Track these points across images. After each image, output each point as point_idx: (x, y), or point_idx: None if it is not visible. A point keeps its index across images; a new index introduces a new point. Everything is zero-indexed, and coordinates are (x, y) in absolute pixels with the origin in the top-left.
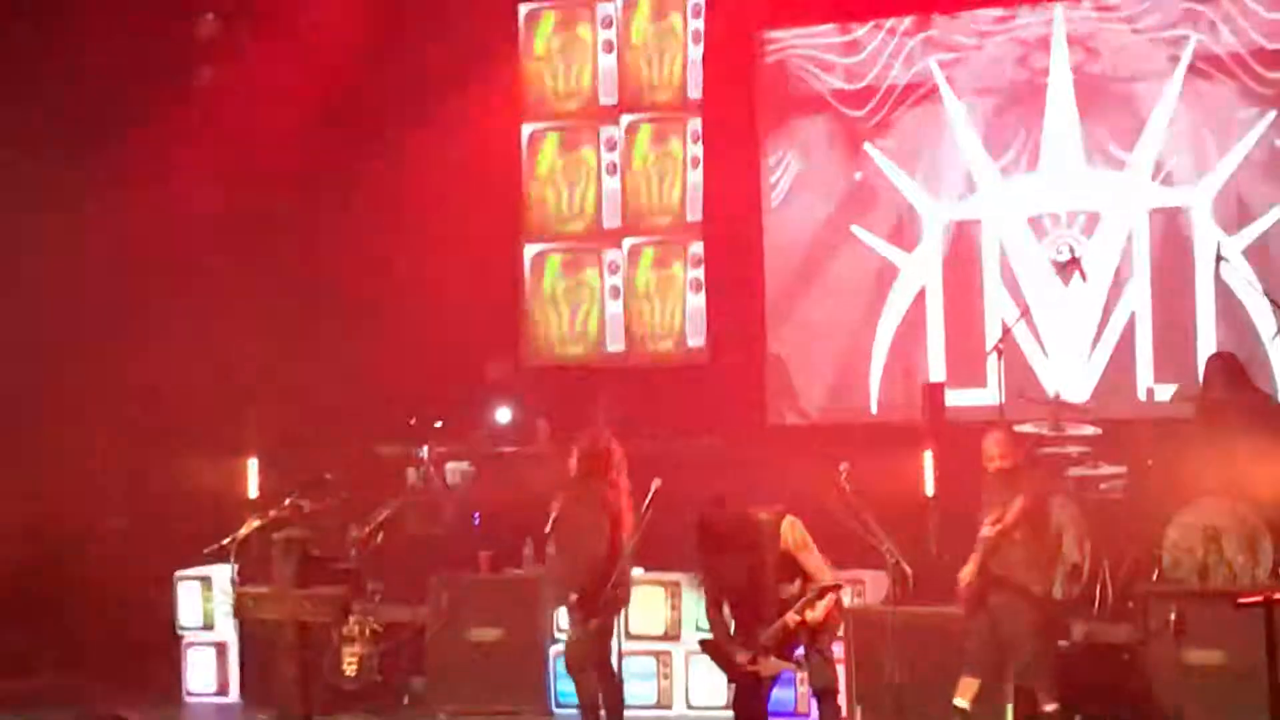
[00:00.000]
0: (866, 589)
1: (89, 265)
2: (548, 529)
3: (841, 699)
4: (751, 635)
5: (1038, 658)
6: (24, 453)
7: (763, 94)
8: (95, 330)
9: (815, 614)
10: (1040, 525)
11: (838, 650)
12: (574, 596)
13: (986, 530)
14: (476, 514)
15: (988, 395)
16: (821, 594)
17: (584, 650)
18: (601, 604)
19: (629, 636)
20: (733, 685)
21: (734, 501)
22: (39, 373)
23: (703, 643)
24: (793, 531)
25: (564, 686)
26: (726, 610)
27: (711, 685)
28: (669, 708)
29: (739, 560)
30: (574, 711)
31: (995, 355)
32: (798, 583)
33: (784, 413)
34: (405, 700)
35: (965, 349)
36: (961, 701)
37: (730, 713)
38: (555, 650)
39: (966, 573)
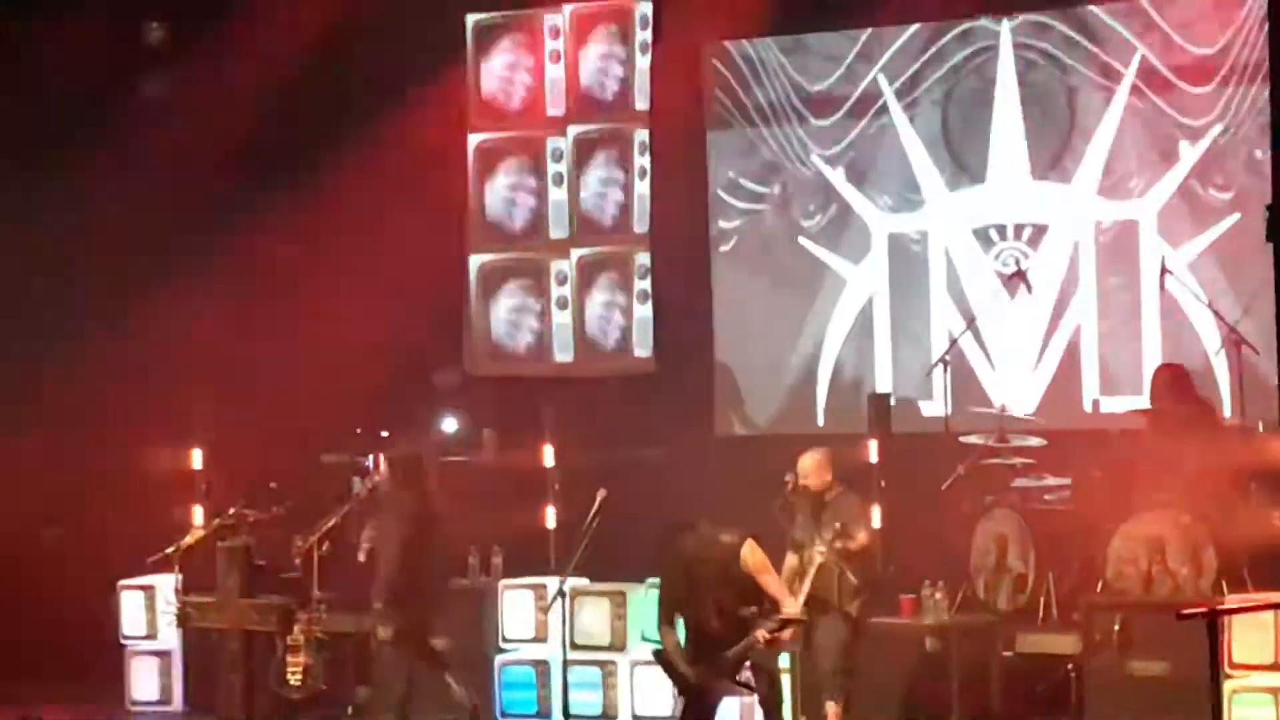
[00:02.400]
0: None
1: (28, 273)
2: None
3: (786, 712)
4: (704, 651)
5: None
6: None
7: (710, 104)
8: (33, 335)
9: (782, 639)
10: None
11: (782, 660)
12: (377, 604)
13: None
14: None
15: (934, 407)
16: (786, 624)
17: (393, 658)
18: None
19: (574, 646)
20: (680, 697)
21: (699, 521)
22: None
23: (655, 653)
24: (752, 555)
25: (509, 696)
26: (680, 624)
27: (657, 696)
28: (614, 718)
29: (698, 578)
30: None
31: (941, 367)
32: (754, 608)
33: (732, 423)
34: (350, 710)
35: (912, 360)
36: None
37: None
38: (501, 660)
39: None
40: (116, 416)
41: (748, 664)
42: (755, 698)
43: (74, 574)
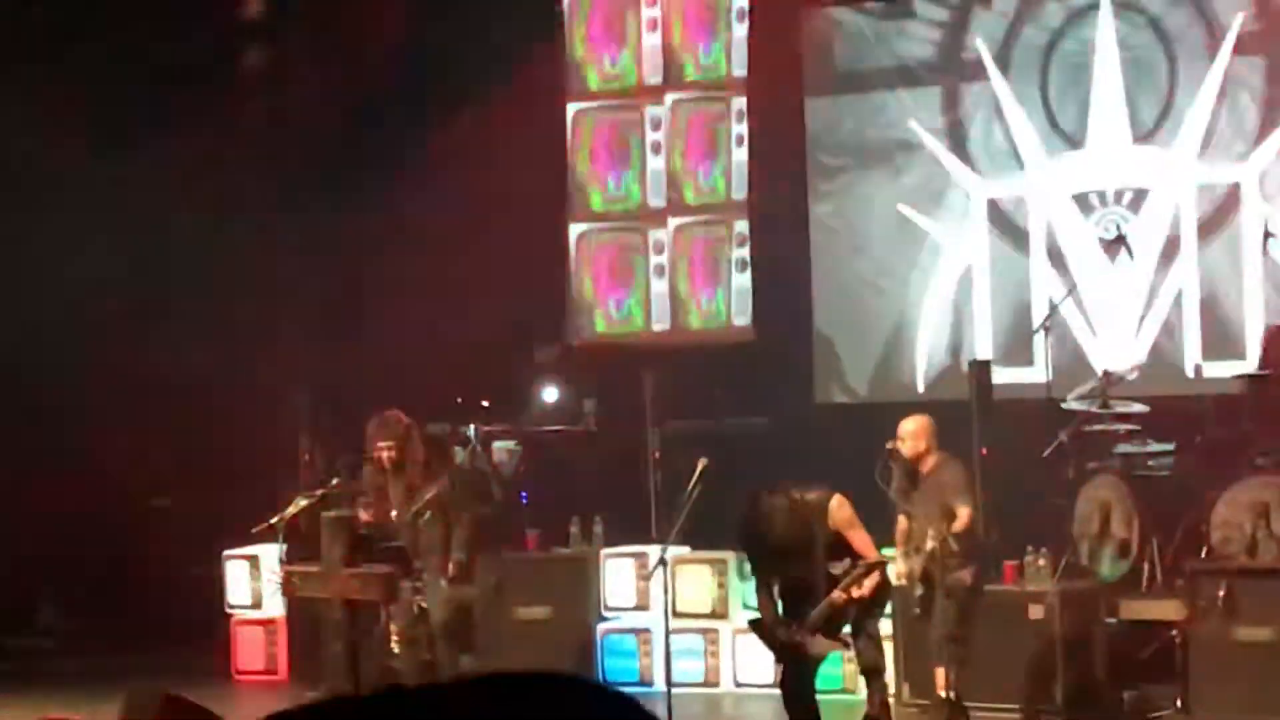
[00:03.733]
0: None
1: (133, 251)
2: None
3: (890, 677)
4: (800, 615)
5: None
6: (73, 434)
7: (809, 71)
8: (141, 313)
9: (862, 590)
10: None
11: (886, 629)
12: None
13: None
14: (525, 493)
15: (1035, 373)
16: (868, 571)
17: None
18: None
19: (675, 614)
20: (780, 665)
21: (783, 484)
22: (88, 353)
23: (751, 622)
24: (840, 510)
25: (612, 664)
26: (775, 590)
27: (759, 663)
28: (716, 685)
29: (788, 540)
30: (622, 689)
31: (1042, 333)
32: (846, 561)
33: (832, 391)
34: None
35: (1012, 327)
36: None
37: (778, 691)
38: (603, 628)
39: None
40: (222, 387)
41: (847, 627)
42: (855, 663)
43: (181, 544)
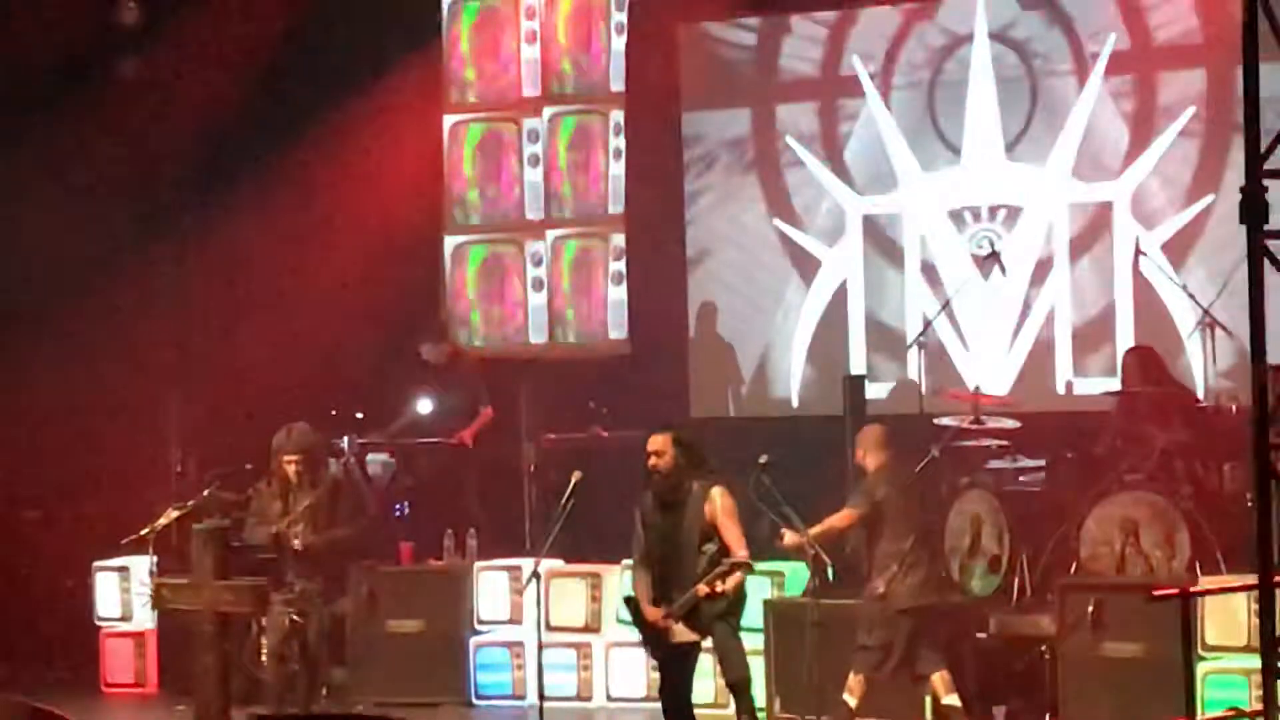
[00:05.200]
0: (785, 581)
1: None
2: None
3: (759, 690)
4: (669, 600)
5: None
6: None
7: (686, 85)
8: (6, 323)
9: (725, 586)
10: None
11: (756, 641)
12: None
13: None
14: (400, 506)
15: (908, 389)
16: (731, 569)
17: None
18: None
19: (549, 628)
20: (658, 671)
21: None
22: None
23: (626, 599)
24: (722, 498)
25: (484, 678)
26: (653, 572)
27: (632, 677)
28: (589, 699)
29: (666, 515)
30: (494, 703)
31: (916, 348)
32: (713, 546)
33: (707, 405)
34: (324, 691)
35: (886, 342)
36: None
37: (651, 705)
38: (475, 641)
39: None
40: (94, 399)
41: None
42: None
43: (51, 556)
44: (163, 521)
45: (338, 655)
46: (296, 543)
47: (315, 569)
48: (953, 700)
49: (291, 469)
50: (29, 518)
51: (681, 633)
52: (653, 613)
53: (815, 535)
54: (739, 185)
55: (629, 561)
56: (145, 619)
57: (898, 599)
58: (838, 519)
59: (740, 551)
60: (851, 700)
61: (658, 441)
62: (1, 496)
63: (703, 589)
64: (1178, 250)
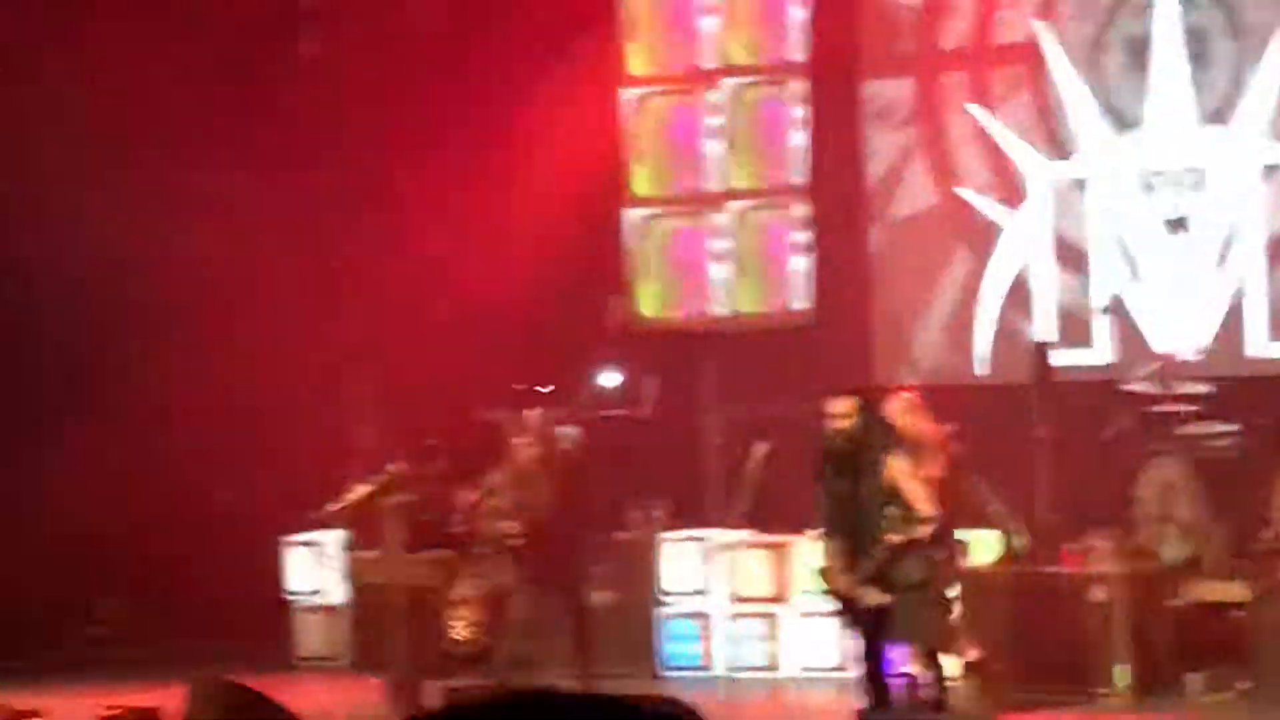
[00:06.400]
0: (977, 550)
1: (191, 238)
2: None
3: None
4: (855, 562)
5: None
6: (136, 425)
7: (868, 54)
8: (199, 304)
9: (915, 534)
10: None
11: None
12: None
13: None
14: (588, 478)
15: (1095, 355)
16: (921, 522)
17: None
18: None
19: (736, 599)
20: (854, 641)
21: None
22: (150, 346)
23: (819, 570)
24: (901, 460)
25: (672, 649)
26: (841, 538)
27: (822, 648)
28: (777, 670)
29: (850, 482)
30: (682, 674)
31: (1104, 315)
32: (896, 509)
33: (891, 374)
34: (515, 664)
35: (1073, 309)
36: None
37: (837, 675)
38: (662, 613)
39: None
40: (284, 376)
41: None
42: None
43: (243, 532)
44: (353, 496)
45: (528, 628)
46: (497, 521)
47: (511, 545)
48: None
49: (524, 454)
50: (221, 494)
51: (872, 596)
52: (841, 580)
53: None
54: (919, 153)
55: (815, 532)
56: (336, 593)
57: None
58: None
59: (925, 507)
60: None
61: (840, 405)
62: (194, 473)
63: (894, 538)
64: None
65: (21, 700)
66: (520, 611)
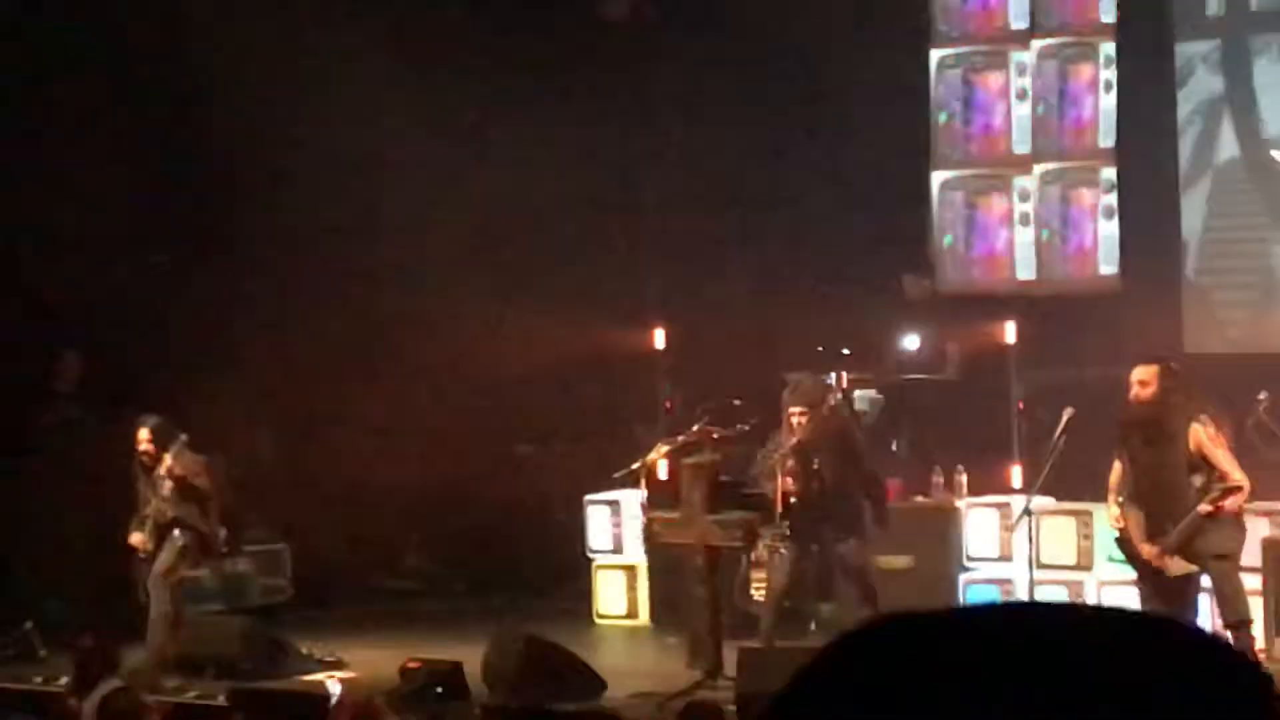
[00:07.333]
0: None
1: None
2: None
3: (1258, 630)
4: (1161, 530)
5: None
6: (445, 384)
7: (1179, 16)
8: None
9: (1225, 504)
10: None
11: (1254, 582)
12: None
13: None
14: (893, 442)
15: None
16: (1230, 491)
17: None
18: None
19: (1039, 566)
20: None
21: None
22: (459, 306)
23: (1117, 539)
24: (1206, 427)
25: None
26: (1142, 508)
27: None
28: None
29: (1154, 449)
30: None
31: None
32: (1202, 478)
33: (1203, 341)
34: (812, 626)
35: None
36: None
37: None
38: (965, 579)
39: None
40: (584, 337)
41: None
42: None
43: (545, 490)
44: (653, 456)
45: (825, 590)
46: (789, 482)
47: (812, 508)
48: None
49: (795, 420)
50: (524, 453)
51: (1178, 565)
52: (1147, 549)
53: None
54: (1233, 115)
55: (1117, 499)
56: (636, 552)
57: None
58: None
59: (1236, 474)
60: None
61: (1144, 372)
62: (498, 433)
63: (1204, 508)
64: None
65: (325, 649)
66: (816, 573)
